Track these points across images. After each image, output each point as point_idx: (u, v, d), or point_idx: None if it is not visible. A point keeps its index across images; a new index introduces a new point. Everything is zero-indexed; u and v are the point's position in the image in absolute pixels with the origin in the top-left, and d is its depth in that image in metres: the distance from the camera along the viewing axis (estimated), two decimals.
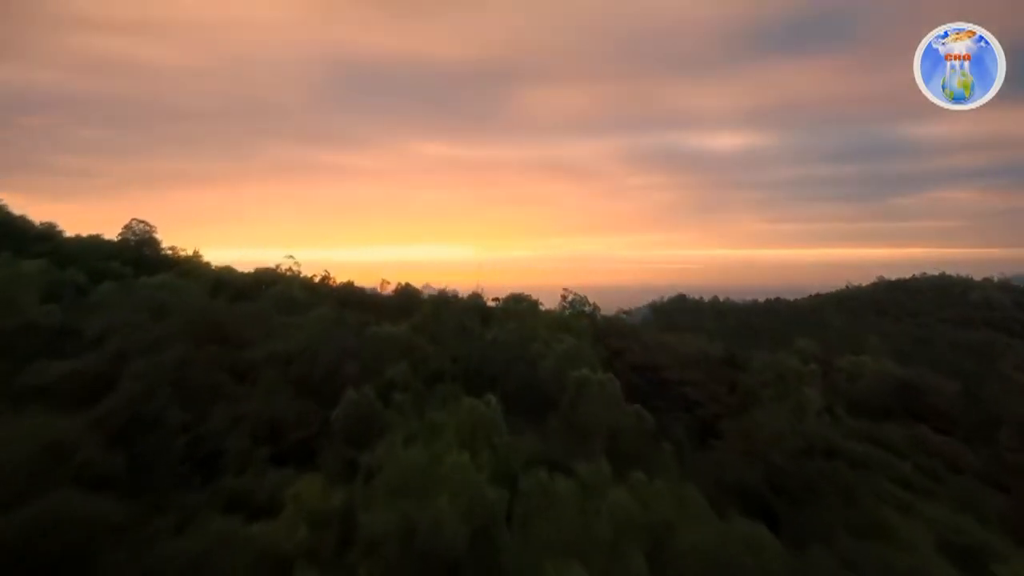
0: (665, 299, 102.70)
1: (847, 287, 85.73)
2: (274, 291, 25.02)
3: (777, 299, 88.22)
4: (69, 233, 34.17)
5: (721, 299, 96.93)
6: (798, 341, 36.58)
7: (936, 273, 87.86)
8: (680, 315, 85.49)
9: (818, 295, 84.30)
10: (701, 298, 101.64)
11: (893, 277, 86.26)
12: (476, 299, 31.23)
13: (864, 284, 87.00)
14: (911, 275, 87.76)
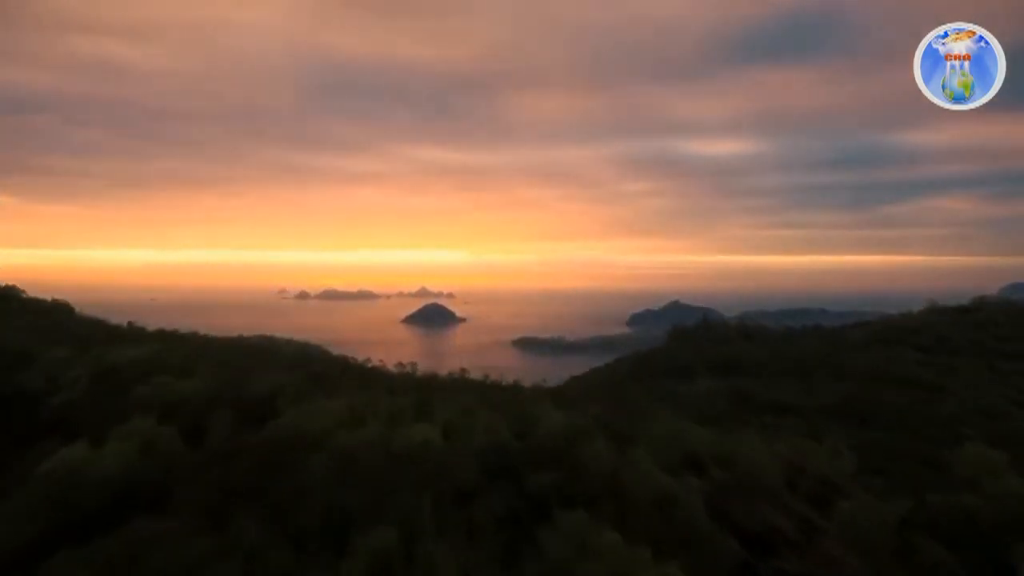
0: (688, 324, 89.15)
1: (899, 315, 72.56)
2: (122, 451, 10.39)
3: (817, 326, 74.70)
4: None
5: (748, 323, 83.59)
6: (970, 449, 22.49)
7: (994, 294, 75.07)
8: (705, 343, 71.81)
9: (864, 324, 70.99)
10: (725, 319, 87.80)
11: (952, 303, 72.88)
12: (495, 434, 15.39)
13: (915, 310, 73.74)
14: (969, 299, 74.48)
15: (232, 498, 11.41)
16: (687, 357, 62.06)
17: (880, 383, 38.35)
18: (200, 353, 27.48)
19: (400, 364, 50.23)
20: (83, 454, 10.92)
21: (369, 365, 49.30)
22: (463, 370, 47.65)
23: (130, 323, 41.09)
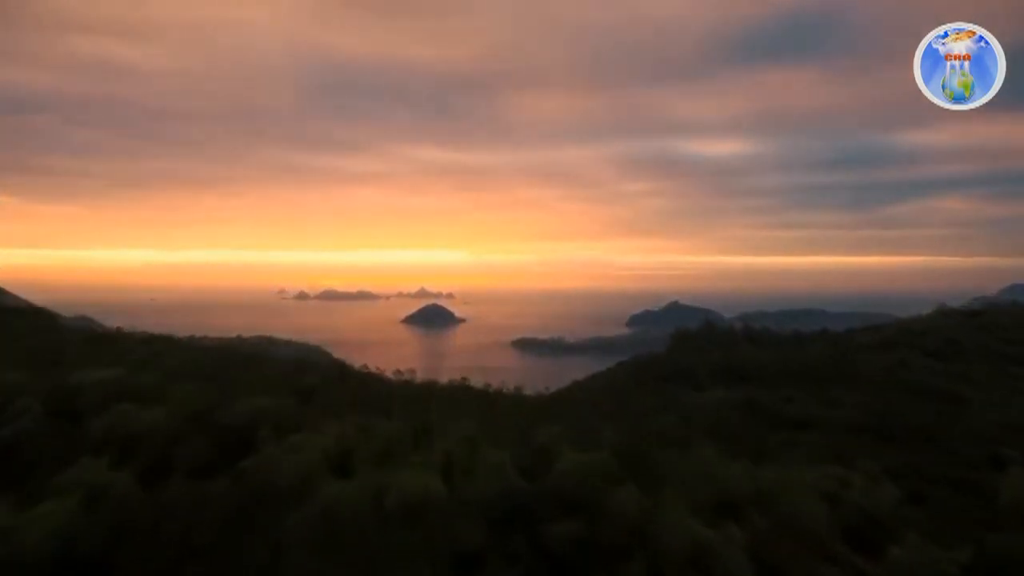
0: (690, 326, 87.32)
1: (907, 318, 70.80)
2: None
3: (823, 330, 72.69)
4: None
5: (752, 325, 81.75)
6: (1015, 475, 20.58)
7: (994, 294, 73.70)
8: (710, 347, 69.86)
9: (871, 328, 69.08)
10: (725, 320, 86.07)
11: (953, 304, 71.51)
12: None
13: (922, 313, 71.99)
14: (969, 299, 73.34)
15: (190, 564, 9.43)
16: (692, 362, 60.13)
17: (897, 393, 36.42)
18: (183, 366, 25.43)
19: (398, 372, 48.17)
20: (5, 519, 8.92)
21: (367, 371, 47.40)
22: (464, 378, 45.59)
23: (119, 328, 39.10)
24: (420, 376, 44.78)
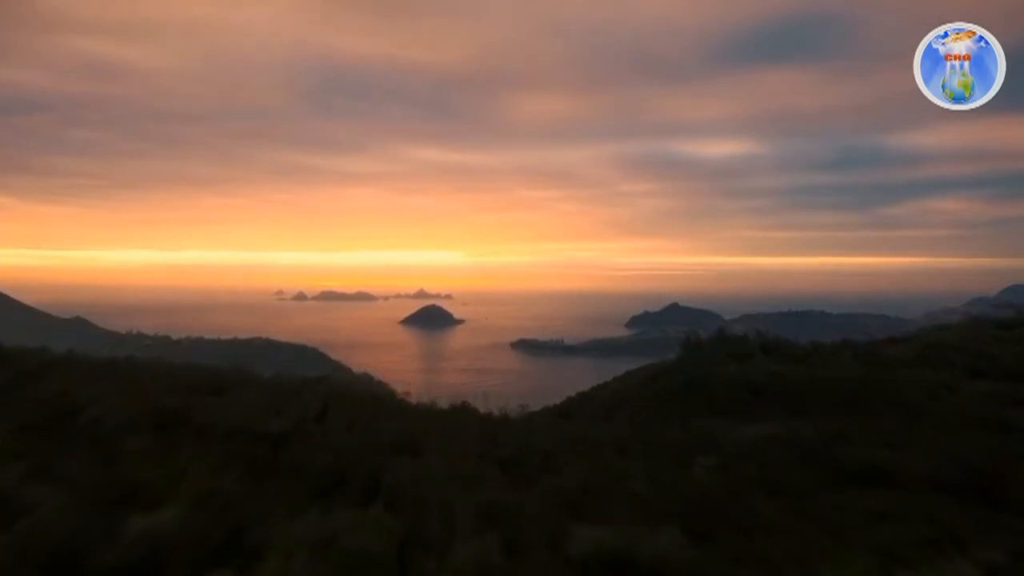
0: (696, 329, 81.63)
1: (935, 328, 66.70)
2: None
3: (846, 341, 68.17)
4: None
5: (766, 332, 76.61)
6: None
7: (993, 295, 69.45)
8: (724, 359, 65.12)
9: (900, 340, 64.75)
10: (745, 333, 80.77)
11: (955, 305, 67.31)
12: None
13: (925, 314, 67.86)
14: (970, 299, 69.13)
15: None
16: (706, 377, 55.28)
17: (958, 426, 31.56)
18: (118, 412, 19.90)
19: (395, 395, 44.27)
20: None
21: (358, 392, 42.92)
22: (464, 403, 41.28)
23: (71, 350, 34.12)
24: (419, 383, 40.47)
